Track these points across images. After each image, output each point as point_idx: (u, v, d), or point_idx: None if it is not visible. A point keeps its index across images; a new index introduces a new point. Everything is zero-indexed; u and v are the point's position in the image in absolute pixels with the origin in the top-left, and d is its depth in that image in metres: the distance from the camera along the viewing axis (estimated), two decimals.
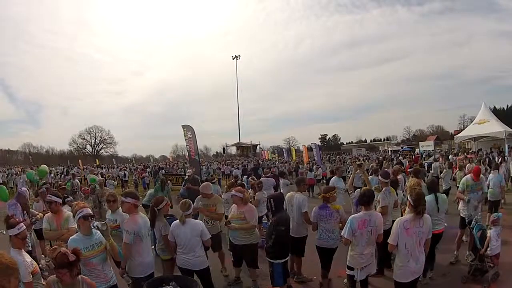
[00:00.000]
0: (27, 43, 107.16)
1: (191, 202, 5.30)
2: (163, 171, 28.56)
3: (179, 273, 4.93)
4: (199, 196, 6.92)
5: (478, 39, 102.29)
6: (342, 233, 4.75)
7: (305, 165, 27.19)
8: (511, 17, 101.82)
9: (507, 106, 69.68)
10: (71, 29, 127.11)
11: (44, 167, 17.37)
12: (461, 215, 7.20)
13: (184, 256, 4.89)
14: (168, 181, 21.13)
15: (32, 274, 3.77)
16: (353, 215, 4.78)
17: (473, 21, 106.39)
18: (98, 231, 4.03)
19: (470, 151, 28.47)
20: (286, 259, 5.40)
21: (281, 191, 9.99)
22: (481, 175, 7.48)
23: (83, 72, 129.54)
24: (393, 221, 4.69)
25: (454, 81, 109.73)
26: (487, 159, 17.11)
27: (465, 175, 8.80)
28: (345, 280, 5.16)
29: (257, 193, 8.35)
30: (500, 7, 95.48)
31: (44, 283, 3.99)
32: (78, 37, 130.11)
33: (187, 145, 18.61)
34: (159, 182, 11.06)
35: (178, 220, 5.02)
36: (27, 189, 8.54)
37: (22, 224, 3.96)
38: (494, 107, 61.02)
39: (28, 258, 3.85)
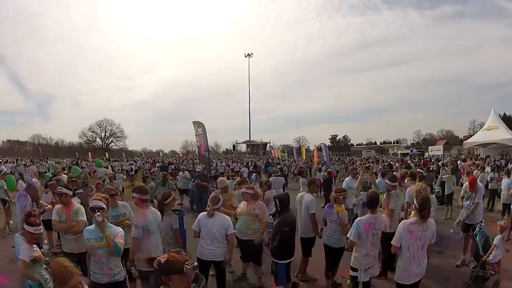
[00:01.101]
0: (39, 36, 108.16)
1: (220, 196, 5.40)
2: (173, 166, 28.67)
3: None
4: (217, 191, 7.04)
5: (489, 45, 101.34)
6: (348, 235, 4.80)
7: (315, 165, 27.12)
8: None
9: None
10: (83, 23, 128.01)
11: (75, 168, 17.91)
12: (465, 221, 7.11)
13: (208, 248, 4.99)
14: (177, 177, 21.35)
15: (36, 260, 3.94)
16: (359, 218, 4.86)
17: (484, 26, 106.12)
18: (114, 226, 4.17)
19: (478, 158, 28.23)
20: (290, 260, 5.46)
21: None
22: (479, 183, 7.36)
23: (94, 67, 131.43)
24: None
25: (465, 86, 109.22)
26: (495, 166, 17.07)
27: None
28: (348, 281, 5.20)
29: (266, 192, 8.34)
30: (511, 13, 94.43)
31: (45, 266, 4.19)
32: (90, 31, 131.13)
33: (197, 141, 18.66)
34: (161, 178, 11.31)
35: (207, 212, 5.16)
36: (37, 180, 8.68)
37: (40, 227, 4.11)
38: (504, 113, 60.58)
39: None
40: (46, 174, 18.87)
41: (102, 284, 3.98)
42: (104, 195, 4.63)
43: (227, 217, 5.24)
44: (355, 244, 4.71)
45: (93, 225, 4.02)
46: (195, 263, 2.48)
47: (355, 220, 4.80)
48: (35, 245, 4.14)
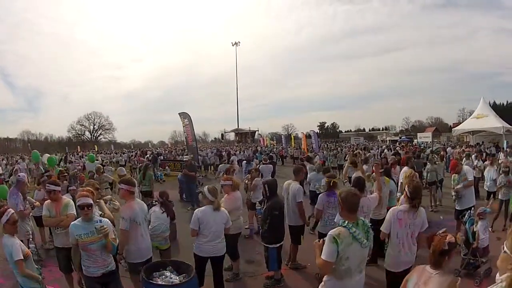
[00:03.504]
0: (26, 31, 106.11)
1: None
2: (162, 157, 28.52)
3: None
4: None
5: (480, 34, 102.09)
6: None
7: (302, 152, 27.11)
8: None
9: (507, 102, 70.36)
10: (70, 15, 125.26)
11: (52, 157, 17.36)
12: (456, 207, 7.17)
13: (209, 245, 4.83)
14: (166, 167, 21.26)
15: (25, 257, 3.88)
16: None
17: (475, 17, 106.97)
18: (103, 219, 4.17)
19: (468, 145, 28.51)
20: (281, 243, 5.50)
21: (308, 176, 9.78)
22: (464, 166, 7.42)
23: (83, 59, 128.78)
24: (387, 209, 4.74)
25: (455, 75, 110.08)
26: (484, 153, 17.26)
27: None
28: None
29: (255, 179, 8.41)
30: (503, 5, 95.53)
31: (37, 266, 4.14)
32: (77, 23, 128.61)
33: (184, 132, 18.71)
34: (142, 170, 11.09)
35: (206, 207, 4.90)
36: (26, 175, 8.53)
37: (10, 209, 4.09)
38: (494, 102, 61.71)
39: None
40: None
41: (97, 277, 3.98)
42: (89, 188, 4.58)
43: (225, 210, 5.11)
44: None
45: (79, 219, 3.98)
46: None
47: None
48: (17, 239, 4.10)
